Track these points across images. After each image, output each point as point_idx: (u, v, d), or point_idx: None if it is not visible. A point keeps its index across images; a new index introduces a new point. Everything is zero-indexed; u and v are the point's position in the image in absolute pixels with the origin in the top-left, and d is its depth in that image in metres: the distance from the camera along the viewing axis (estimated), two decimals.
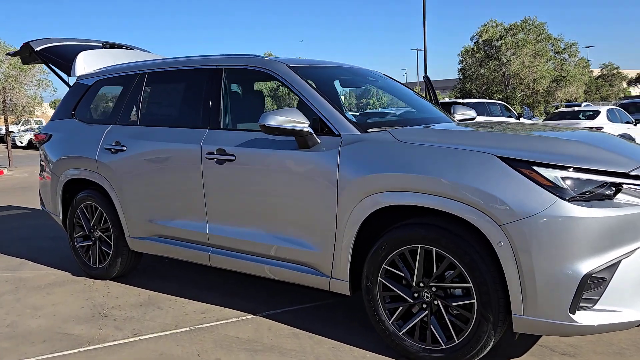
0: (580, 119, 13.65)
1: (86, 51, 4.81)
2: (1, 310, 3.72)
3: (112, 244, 4.15)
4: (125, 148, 3.93)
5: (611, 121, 13.38)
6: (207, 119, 3.57)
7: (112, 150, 4.01)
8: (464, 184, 2.48)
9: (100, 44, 5.24)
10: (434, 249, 2.61)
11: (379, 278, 2.81)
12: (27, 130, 34.83)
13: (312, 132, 2.99)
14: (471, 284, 2.53)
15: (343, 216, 2.87)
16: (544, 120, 16.17)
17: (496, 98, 21.62)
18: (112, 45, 5.32)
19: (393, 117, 3.64)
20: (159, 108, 4.07)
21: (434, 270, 2.65)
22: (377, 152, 2.81)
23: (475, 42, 26.66)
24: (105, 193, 4.16)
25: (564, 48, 27.46)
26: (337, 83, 3.84)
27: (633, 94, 49.95)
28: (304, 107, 3.12)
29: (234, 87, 3.91)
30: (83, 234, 4.41)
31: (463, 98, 22.56)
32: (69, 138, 4.44)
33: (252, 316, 3.46)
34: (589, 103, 26.17)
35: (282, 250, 3.18)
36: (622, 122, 13.86)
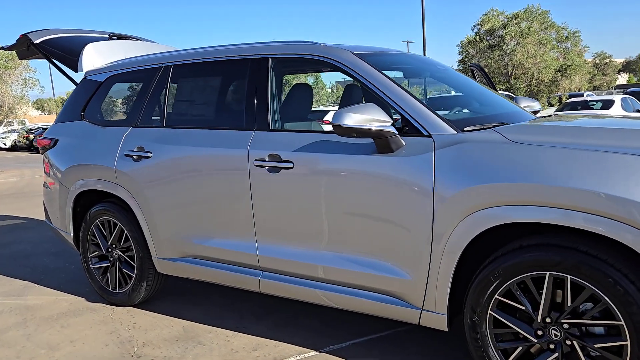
0: (592, 108, 13.25)
1: (94, 43, 4.19)
2: (10, 352, 3.13)
3: (136, 265, 3.57)
4: (150, 154, 3.34)
5: (625, 110, 13.01)
6: (252, 118, 3.00)
7: (134, 157, 3.42)
8: (615, 195, 1.95)
9: (107, 35, 4.63)
10: (569, 276, 2.08)
11: (490, 311, 2.28)
12: (10, 131, 33.75)
13: (396, 132, 2.45)
14: (622, 322, 2.00)
15: (441, 236, 2.33)
16: (556, 111, 15.77)
17: (499, 89, 21.19)
18: (120, 37, 4.70)
19: (478, 113, 3.09)
20: (190, 107, 3.49)
21: (568, 303, 2.12)
22: (488, 156, 2.27)
23: (476, 32, 26.18)
24: (127, 207, 3.57)
25: (567, 36, 27.09)
26: (399, 74, 3.29)
27: (619, 82, 50.10)
28: (378, 103, 2.57)
29: (283, 80, 3.34)
30: (99, 253, 3.82)
31: None
32: (79, 143, 3.84)
33: (315, 352, 2.91)
34: (591, 93, 25.89)
35: (357, 276, 2.63)
36: (634, 111, 13.50)
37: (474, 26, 26.53)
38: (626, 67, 59.05)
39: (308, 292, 2.83)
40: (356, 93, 3.69)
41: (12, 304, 3.90)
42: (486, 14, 25.45)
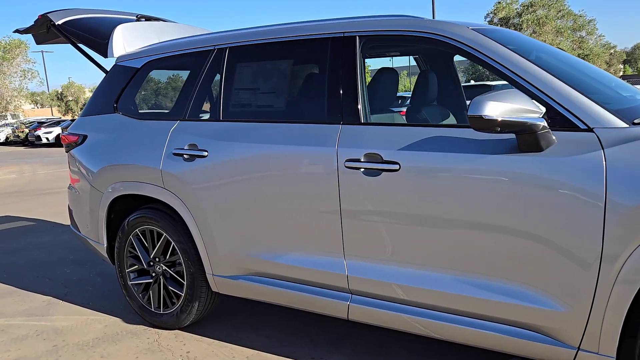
0: None
1: (124, 24, 3.65)
2: None
3: (185, 283, 3.05)
4: (205, 153, 2.81)
5: None
6: (338, 109, 2.47)
7: (185, 156, 2.89)
8: None
9: (134, 17, 4.08)
10: None
11: None
12: (4, 125, 32.97)
13: (548, 126, 1.94)
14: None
15: (614, 258, 1.83)
16: None
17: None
18: (148, 18, 4.15)
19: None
20: (253, 96, 2.95)
21: None
22: None
23: (489, 21, 25.47)
24: (175, 215, 3.05)
25: (582, 25, 26.51)
26: None
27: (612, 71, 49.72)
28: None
29: (374, 63, 2.80)
30: (138, 267, 3.29)
31: (476, 80, 21.55)
32: (113, 140, 3.30)
33: None
34: None
35: (486, 305, 2.12)
36: None
37: (487, 14, 25.90)
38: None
39: (412, 321, 2.33)
40: (431, 81, 3.18)
41: (38, 326, 3.36)
42: (500, 2, 24.79)
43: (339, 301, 2.50)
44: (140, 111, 3.45)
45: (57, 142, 26.89)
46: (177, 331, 3.19)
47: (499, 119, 1.88)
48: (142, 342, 3.06)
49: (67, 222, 6.77)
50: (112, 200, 3.28)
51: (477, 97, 1.93)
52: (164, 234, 3.08)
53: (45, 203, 8.25)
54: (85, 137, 3.50)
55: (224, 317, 3.37)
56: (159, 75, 3.61)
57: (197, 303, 3.05)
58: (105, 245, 3.40)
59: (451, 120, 3.40)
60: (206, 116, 3.04)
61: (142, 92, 3.45)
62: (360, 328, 3.06)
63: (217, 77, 2.95)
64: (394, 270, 2.33)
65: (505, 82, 2.72)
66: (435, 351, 2.77)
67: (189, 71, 3.17)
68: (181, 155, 2.91)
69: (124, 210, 3.37)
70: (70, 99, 46.05)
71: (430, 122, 3.04)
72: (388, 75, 2.90)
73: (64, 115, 45.77)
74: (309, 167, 2.49)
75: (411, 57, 3.11)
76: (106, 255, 3.44)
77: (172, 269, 3.13)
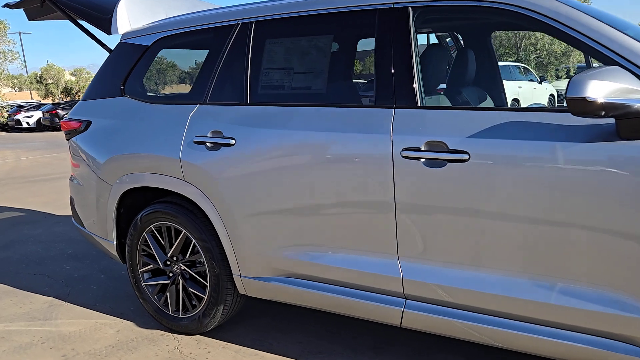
0: None
1: None
2: None
3: (208, 285, 2.76)
4: (232, 141, 2.50)
5: None
6: (389, 91, 2.18)
7: (209, 144, 2.58)
8: None
9: None
10: None
11: None
12: None
13: None
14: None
15: None
16: None
17: (507, 61, 20.42)
18: None
19: None
20: (287, 77, 2.63)
21: None
22: None
23: None
24: (196, 209, 2.74)
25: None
26: None
27: None
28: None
29: (429, 38, 2.50)
30: (153, 267, 2.99)
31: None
32: (122, 126, 2.97)
33: None
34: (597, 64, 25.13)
35: (573, 314, 1.87)
36: None
37: None
38: None
39: (479, 330, 2.07)
40: (471, 61, 2.90)
41: (42, 332, 3.05)
42: None
43: (392, 307, 2.23)
44: (151, 94, 3.12)
45: (38, 127, 26.15)
46: (198, 337, 2.90)
47: (604, 101, 1.61)
48: (161, 350, 2.78)
49: (59, 212, 6.41)
50: (122, 194, 2.96)
51: (576, 77, 1.65)
52: (184, 231, 2.78)
53: (34, 192, 7.84)
54: (88, 123, 3.16)
55: (248, 319, 3.10)
56: (171, 55, 3.27)
57: (222, 306, 2.76)
58: (115, 242, 3.09)
59: (488, 102, 3.13)
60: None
61: (153, 73, 3.12)
62: (401, 332, 2.81)
63: (242, 55, 2.63)
64: (458, 273, 2.07)
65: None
66: (490, 353, 2.53)
67: (206, 50, 2.84)
68: (203, 143, 2.60)
69: (136, 204, 3.06)
70: (50, 82, 44.78)
71: (471, 104, 2.76)
72: (439, 53, 2.60)
73: (43, 99, 44.55)
74: (357, 157, 2.19)
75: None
76: (116, 254, 3.12)
77: (192, 269, 2.84)
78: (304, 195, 2.34)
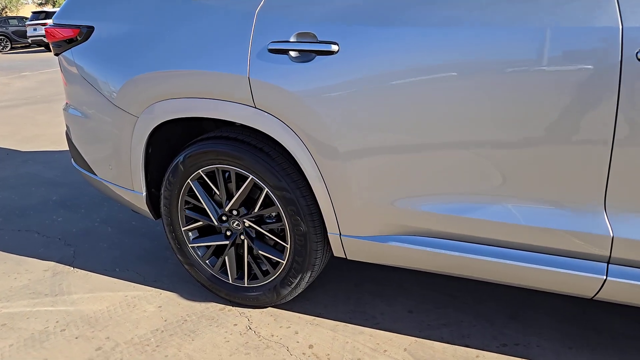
0: None
1: None
2: None
3: (291, 246, 2.06)
4: (334, 47, 1.71)
5: None
6: None
7: (294, 53, 1.78)
8: None
9: None
10: None
11: None
12: None
13: None
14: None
15: None
16: None
17: None
18: None
19: None
20: None
21: None
22: None
23: None
24: (273, 148, 1.98)
25: None
26: None
27: None
28: None
29: None
30: (203, 224, 2.25)
31: None
32: (147, 32, 2.09)
33: None
34: None
35: None
36: None
37: None
38: None
39: None
40: None
41: (57, 314, 2.31)
42: None
43: (588, 275, 1.61)
44: None
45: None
46: (270, 310, 2.25)
47: None
48: (229, 332, 2.11)
49: (24, 146, 5.40)
50: (154, 129, 2.14)
51: None
52: (251, 177, 2.02)
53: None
54: (90, 29, 2.25)
55: (328, 283, 2.45)
56: None
57: (309, 273, 2.09)
58: (145, 193, 2.31)
59: None
60: None
61: None
62: (538, 294, 2.24)
63: None
64: None
65: None
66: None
67: None
68: (285, 52, 1.79)
69: (172, 141, 2.26)
70: None
71: None
72: None
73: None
74: (557, 62, 1.47)
75: None
76: (146, 208, 2.35)
77: (262, 227, 2.12)
78: (454, 125, 1.62)
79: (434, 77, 1.60)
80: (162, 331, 2.14)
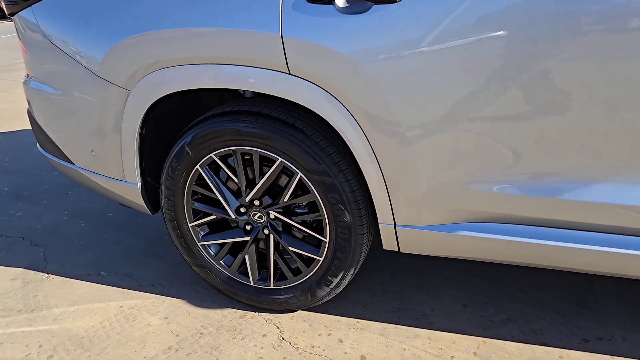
0: None
1: None
2: None
3: (330, 241, 1.72)
4: None
5: None
6: None
7: (340, 1, 1.40)
8: None
9: None
10: None
11: None
12: None
13: None
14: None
15: None
16: None
17: None
18: None
19: None
20: None
21: None
22: None
23: None
24: (308, 125, 1.62)
25: None
26: None
27: None
28: None
29: None
30: (217, 217, 1.88)
31: None
32: None
33: None
34: None
35: None
36: None
37: None
38: None
39: None
40: None
41: (39, 335, 1.89)
42: None
43: None
44: None
45: None
46: (303, 314, 1.92)
47: None
48: (259, 345, 1.77)
49: None
50: (151, 105, 1.72)
51: None
52: (280, 160, 1.66)
53: None
54: None
55: (360, 278, 2.13)
56: None
57: (352, 270, 1.76)
58: (140, 184, 1.89)
59: None
60: None
61: None
62: (600, 279, 2.01)
63: None
64: None
65: None
66: None
67: None
68: (329, 1, 1.41)
69: (171, 119, 1.85)
70: None
71: None
72: None
73: None
74: None
75: None
76: (142, 202, 1.94)
77: (293, 218, 1.77)
78: (546, 88, 1.31)
79: (527, 34, 1.27)
80: (177, 350, 1.77)
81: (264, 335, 1.81)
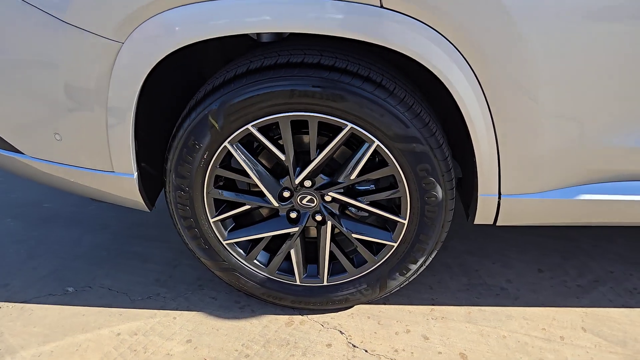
0: None
1: None
2: None
3: (412, 221, 1.36)
4: None
5: None
6: None
7: None
8: None
9: None
10: None
11: None
12: None
13: None
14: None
15: None
16: None
17: None
18: None
19: None
20: None
21: None
22: None
23: None
24: (393, 82, 1.20)
25: None
26: None
27: None
28: None
29: None
30: (251, 207, 1.42)
31: None
32: None
33: None
34: None
35: None
36: None
37: None
38: None
39: None
40: None
41: None
42: None
43: None
44: None
45: None
46: (363, 310, 1.57)
47: None
48: (327, 359, 1.41)
49: None
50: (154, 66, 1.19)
51: None
52: (350, 127, 1.24)
53: None
54: None
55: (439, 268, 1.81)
56: None
57: (433, 254, 1.44)
58: (136, 174, 1.36)
59: None
60: None
61: None
62: None
63: None
64: None
65: None
66: None
67: None
68: None
69: (177, 85, 1.33)
70: None
71: None
72: None
73: None
74: None
75: None
76: (138, 197, 1.41)
77: (360, 199, 1.37)
78: None
79: None
80: None
81: (329, 346, 1.45)
